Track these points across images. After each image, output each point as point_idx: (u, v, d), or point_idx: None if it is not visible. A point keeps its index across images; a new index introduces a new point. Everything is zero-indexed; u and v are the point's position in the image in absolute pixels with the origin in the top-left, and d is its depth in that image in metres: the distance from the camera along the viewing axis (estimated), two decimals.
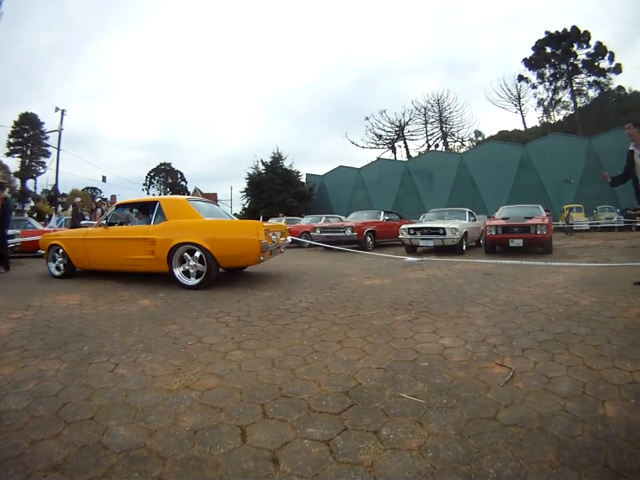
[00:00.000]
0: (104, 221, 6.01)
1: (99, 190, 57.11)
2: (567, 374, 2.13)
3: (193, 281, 5.03)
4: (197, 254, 5.00)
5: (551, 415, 1.71)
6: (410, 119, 49.47)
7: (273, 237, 5.50)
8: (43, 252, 6.57)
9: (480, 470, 1.37)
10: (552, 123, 46.83)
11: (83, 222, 9.96)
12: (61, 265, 6.32)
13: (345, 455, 1.48)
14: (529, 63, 46.08)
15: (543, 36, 45.22)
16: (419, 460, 1.44)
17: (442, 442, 1.55)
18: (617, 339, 2.65)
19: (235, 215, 23.16)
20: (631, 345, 2.53)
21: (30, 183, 51.59)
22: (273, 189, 32.09)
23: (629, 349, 2.46)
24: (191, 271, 5.06)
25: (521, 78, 46.89)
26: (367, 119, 50.54)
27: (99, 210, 11.44)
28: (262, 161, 33.86)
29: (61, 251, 6.25)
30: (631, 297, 3.92)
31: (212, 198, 61.47)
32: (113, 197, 14.98)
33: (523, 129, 49.47)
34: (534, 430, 1.60)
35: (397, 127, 49.77)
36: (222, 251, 4.96)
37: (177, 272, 5.11)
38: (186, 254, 5.07)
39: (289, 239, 6.21)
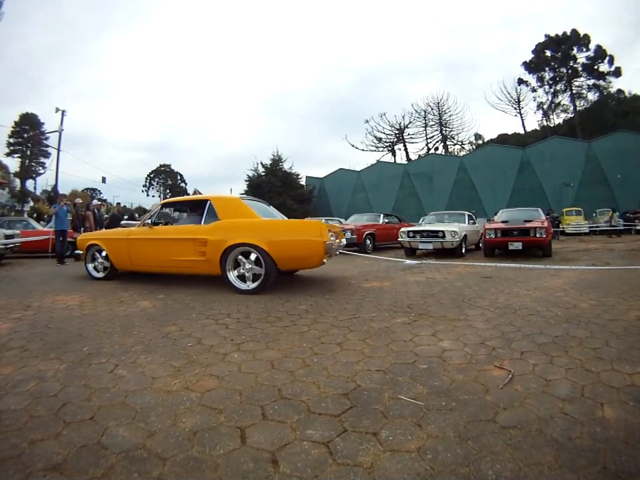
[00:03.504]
0: (148, 220, 5.73)
1: (99, 191, 57.26)
2: (566, 376, 2.14)
3: (249, 285, 4.76)
4: (253, 256, 4.72)
5: (549, 417, 1.72)
6: (410, 122, 49.48)
7: (331, 238, 5.11)
8: (81, 252, 6.33)
9: (479, 472, 1.38)
10: (551, 126, 46.84)
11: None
12: (101, 266, 6.08)
13: (344, 457, 1.48)
14: (529, 66, 46.16)
15: (542, 39, 45.36)
16: (418, 462, 1.44)
17: (441, 444, 1.55)
18: (616, 342, 2.66)
19: None
20: (629, 348, 2.54)
21: (30, 184, 51.63)
22: (273, 191, 32.07)
23: (627, 352, 2.47)
24: (247, 274, 4.77)
25: (520, 81, 46.94)
26: (367, 121, 50.47)
27: (89, 212, 10.94)
28: (262, 163, 33.83)
29: (103, 252, 5.99)
30: (629, 299, 3.92)
31: None
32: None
33: (522, 132, 49.49)
34: (533, 432, 1.61)
35: (397, 129, 49.78)
36: (282, 253, 4.68)
37: (232, 275, 4.85)
38: (240, 256, 4.80)
39: (344, 241, 5.83)
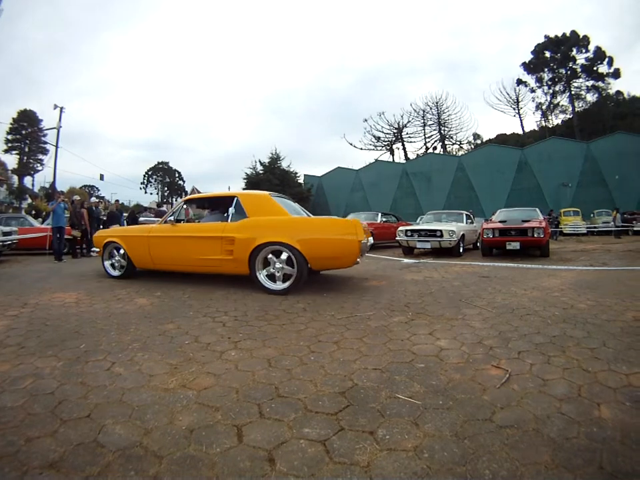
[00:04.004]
0: (171, 217, 5.50)
1: (97, 188, 57.15)
2: (563, 376, 2.14)
3: (279, 285, 4.59)
4: (284, 255, 4.56)
5: (546, 416, 1.72)
6: (408, 121, 49.48)
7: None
8: (98, 249, 6.09)
9: (475, 471, 1.38)
10: (550, 126, 46.93)
11: (141, 218, 9.77)
12: (118, 264, 5.87)
13: (341, 455, 1.48)
14: (528, 67, 46.22)
15: (542, 40, 45.44)
16: (415, 460, 1.44)
17: (438, 443, 1.55)
18: (613, 342, 2.67)
19: None
20: (626, 348, 2.54)
21: (27, 180, 51.39)
22: (271, 190, 32.01)
23: (624, 352, 2.47)
24: (277, 274, 4.61)
25: (519, 82, 47.02)
26: (366, 120, 50.47)
27: (84, 210, 10.80)
28: (260, 161, 33.79)
29: (120, 249, 5.78)
30: (627, 300, 3.93)
31: None
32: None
33: (521, 132, 49.60)
34: (530, 431, 1.61)
35: (396, 129, 49.78)
36: (315, 252, 4.52)
37: (261, 275, 4.67)
38: (271, 255, 4.63)
39: (371, 239, 5.58)
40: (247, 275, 4.80)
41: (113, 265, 5.93)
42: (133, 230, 6.16)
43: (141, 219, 9.46)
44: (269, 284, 4.64)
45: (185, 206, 5.76)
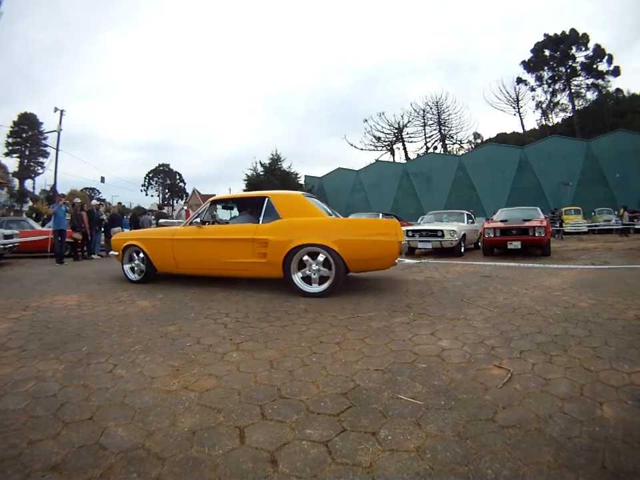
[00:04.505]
0: (197, 219, 5.33)
1: (98, 190, 57.10)
2: (565, 376, 2.14)
3: (316, 288, 4.45)
4: (321, 257, 4.42)
5: (548, 416, 1.72)
6: (409, 121, 49.46)
7: None
8: (117, 253, 5.91)
9: (478, 471, 1.38)
10: (550, 125, 46.88)
11: (161, 220, 9.68)
12: (138, 269, 5.68)
13: (343, 456, 1.48)
14: (528, 65, 46.19)
15: (541, 38, 45.42)
16: (417, 461, 1.44)
17: (440, 443, 1.55)
18: (615, 341, 2.66)
19: None
20: (628, 347, 2.54)
21: (28, 183, 51.45)
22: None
23: (626, 351, 2.47)
24: (314, 276, 4.46)
25: (519, 80, 46.98)
26: (366, 120, 50.44)
27: (83, 213, 10.70)
28: (260, 163, 33.80)
29: (140, 253, 5.59)
30: (628, 299, 3.93)
31: None
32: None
33: (521, 131, 49.57)
34: (532, 431, 1.61)
35: (396, 129, 49.76)
36: (354, 253, 4.41)
37: (297, 278, 4.53)
38: (306, 257, 4.48)
39: (405, 239, 5.42)
40: (279, 278, 4.67)
41: (132, 269, 5.75)
42: (155, 233, 5.96)
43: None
44: (305, 287, 4.50)
45: (209, 206, 5.57)
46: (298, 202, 5.05)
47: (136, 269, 5.70)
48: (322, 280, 4.49)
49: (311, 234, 4.51)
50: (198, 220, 5.33)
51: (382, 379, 2.17)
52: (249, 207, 5.65)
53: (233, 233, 4.98)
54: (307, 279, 4.53)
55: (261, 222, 4.84)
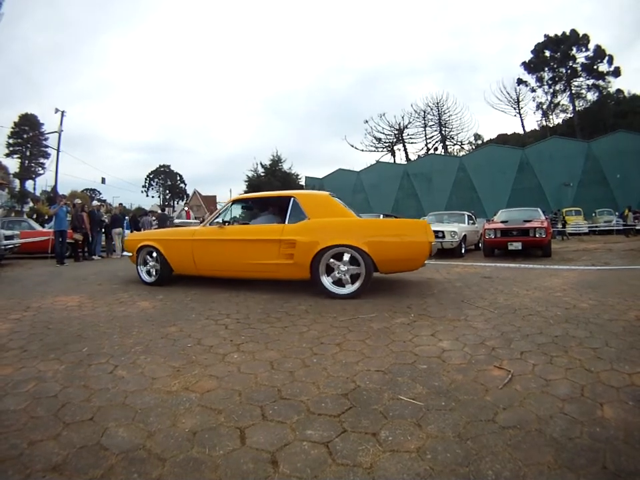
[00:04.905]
0: (218, 219, 5.20)
1: (98, 191, 57.15)
2: (566, 376, 2.14)
3: (346, 289, 4.37)
4: (347, 257, 4.36)
5: (549, 417, 1.72)
6: (409, 122, 49.48)
7: None
8: (130, 254, 5.75)
9: (478, 472, 1.38)
10: (551, 126, 46.86)
11: (176, 220, 9.60)
12: (153, 270, 5.52)
13: (344, 457, 1.48)
14: (528, 66, 46.20)
15: (542, 39, 45.44)
16: (418, 462, 1.44)
17: (440, 444, 1.55)
18: (616, 342, 2.66)
19: None
20: (629, 348, 2.54)
21: (29, 184, 51.53)
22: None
23: (627, 352, 2.47)
24: (344, 277, 4.39)
25: (520, 81, 46.99)
26: (367, 121, 50.44)
27: (84, 214, 10.69)
28: (261, 164, 33.77)
29: (154, 253, 5.44)
30: (629, 299, 3.92)
31: (211, 200, 61.64)
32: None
33: (522, 132, 49.54)
34: (532, 432, 1.61)
35: (396, 130, 49.79)
36: (386, 255, 4.36)
37: (326, 280, 4.44)
38: (332, 260, 4.41)
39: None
40: (306, 279, 4.61)
41: (149, 272, 5.58)
42: (173, 233, 5.78)
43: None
44: (334, 288, 4.42)
45: (230, 206, 5.45)
46: (325, 202, 4.97)
47: (151, 270, 5.56)
48: (352, 280, 4.42)
49: (340, 235, 4.43)
50: (219, 220, 5.20)
51: (382, 379, 2.17)
52: (271, 207, 5.53)
53: (258, 234, 4.85)
54: (338, 282, 4.45)
55: (287, 222, 4.73)
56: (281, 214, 5.00)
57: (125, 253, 6.14)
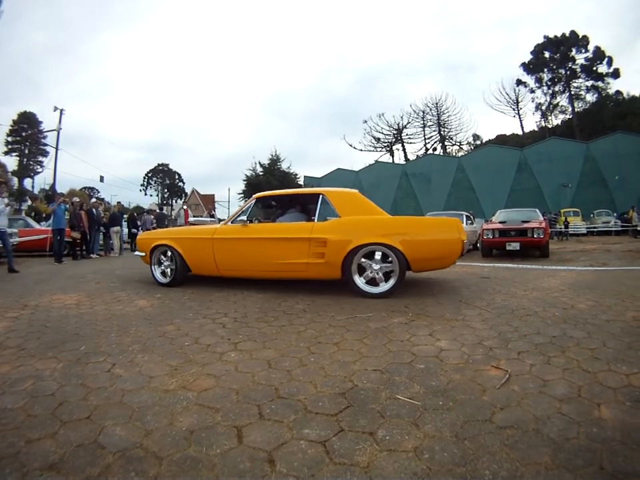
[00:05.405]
0: (242, 217, 4.94)
1: (97, 190, 57.09)
2: (563, 377, 2.14)
3: (380, 288, 4.30)
4: (378, 255, 4.28)
5: (546, 417, 1.72)
6: (408, 122, 49.50)
7: None
8: (143, 254, 5.52)
9: (475, 471, 1.38)
10: (550, 127, 46.94)
11: (191, 219, 9.44)
12: (168, 270, 5.27)
13: (341, 456, 1.48)
14: (528, 67, 46.26)
15: (541, 40, 45.50)
16: (415, 461, 1.44)
17: (438, 443, 1.55)
18: (613, 342, 2.67)
19: None
20: (626, 348, 2.54)
21: (28, 182, 51.43)
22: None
23: (624, 352, 2.47)
24: (377, 275, 4.31)
25: (519, 82, 47.05)
26: (365, 121, 50.42)
27: (82, 212, 10.60)
28: (260, 163, 33.79)
29: (168, 253, 5.22)
30: (627, 300, 3.93)
31: (209, 199, 61.59)
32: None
33: (520, 133, 49.62)
34: (530, 432, 1.61)
35: (395, 130, 49.80)
36: (420, 253, 4.30)
37: (359, 279, 4.35)
38: (363, 259, 4.33)
39: None
40: (337, 279, 4.54)
41: (163, 273, 5.33)
42: (191, 232, 5.53)
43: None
44: (367, 287, 4.34)
45: (254, 203, 5.24)
46: (356, 199, 4.84)
47: (166, 270, 5.31)
48: (380, 280, 4.36)
49: (373, 233, 4.35)
50: (243, 218, 4.94)
51: (380, 379, 2.17)
52: (297, 205, 5.36)
53: (286, 232, 4.67)
54: (371, 281, 4.37)
55: (316, 220, 4.62)
56: (307, 212, 4.92)
57: (137, 253, 5.91)
